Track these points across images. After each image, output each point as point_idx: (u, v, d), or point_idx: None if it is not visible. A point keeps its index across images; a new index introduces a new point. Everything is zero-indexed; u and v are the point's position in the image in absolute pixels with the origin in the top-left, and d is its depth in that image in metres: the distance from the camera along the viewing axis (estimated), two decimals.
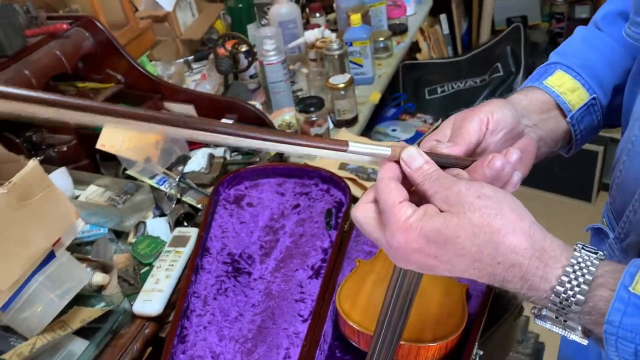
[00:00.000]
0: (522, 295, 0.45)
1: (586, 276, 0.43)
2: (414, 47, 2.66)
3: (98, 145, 1.24)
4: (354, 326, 0.80)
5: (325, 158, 1.32)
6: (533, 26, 2.88)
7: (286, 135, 0.45)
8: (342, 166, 1.26)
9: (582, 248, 0.45)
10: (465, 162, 0.52)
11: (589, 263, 0.43)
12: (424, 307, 0.82)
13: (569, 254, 0.44)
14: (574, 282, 0.43)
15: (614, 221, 0.60)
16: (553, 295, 0.43)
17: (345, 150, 0.46)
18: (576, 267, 0.43)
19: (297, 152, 0.46)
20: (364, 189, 1.21)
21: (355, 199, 1.14)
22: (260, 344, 0.86)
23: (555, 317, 0.44)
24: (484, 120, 0.54)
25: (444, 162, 0.51)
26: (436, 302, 0.84)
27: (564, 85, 0.61)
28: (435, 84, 2.61)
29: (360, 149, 0.47)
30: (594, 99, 0.62)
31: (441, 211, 0.46)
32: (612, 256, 0.60)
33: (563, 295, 0.43)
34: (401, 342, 0.77)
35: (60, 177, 1.17)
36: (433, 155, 0.50)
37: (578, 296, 0.42)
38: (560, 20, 2.79)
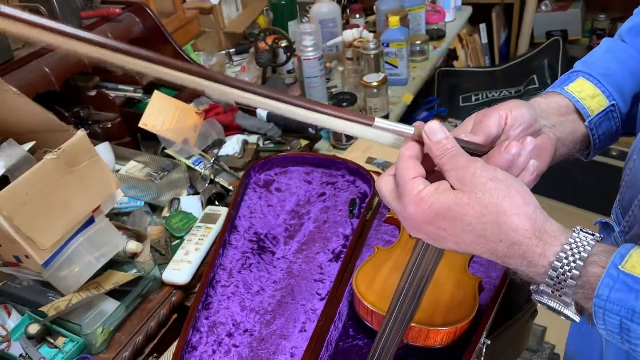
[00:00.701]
0: (523, 272, 0.50)
1: (582, 254, 0.46)
2: (452, 55, 2.68)
3: (141, 125, 1.32)
4: (369, 306, 0.84)
5: (355, 152, 1.36)
6: (573, 41, 2.88)
7: (317, 104, 0.49)
8: (370, 160, 1.30)
9: (581, 231, 0.48)
10: (484, 149, 0.55)
11: (585, 243, 0.47)
12: (437, 294, 0.86)
13: (567, 235, 0.48)
14: (571, 259, 0.46)
15: (620, 216, 0.63)
16: (551, 270, 0.47)
17: (371, 125, 0.51)
18: (573, 246, 0.47)
19: (326, 123, 0.50)
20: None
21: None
22: (279, 317, 0.91)
23: (552, 292, 0.48)
24: (503, 116, 0.57)
25: (464, 148, 0.54)
26: (449, 291, 0.87)
27: (584, 92, 0.64)
28: (471, 92, 2.63)
29: (386, 126, 0.51)
30: (613, 105, 0.64)
31: (453, 188, 0.50)
32: None
33: (560, 270, 0.47)
34: (412, 324, 0.80)
35: (104, 151, 1.24)
36: (460, 141, 0.53)
37: (574, 271, 0.46)
38: (601, 37, 2.78)
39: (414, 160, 0.52)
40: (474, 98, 2.62)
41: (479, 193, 0.48)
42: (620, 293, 0.45)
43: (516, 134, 0.58)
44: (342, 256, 1.00)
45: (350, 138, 1.43)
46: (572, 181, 2.37)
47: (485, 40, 2.89)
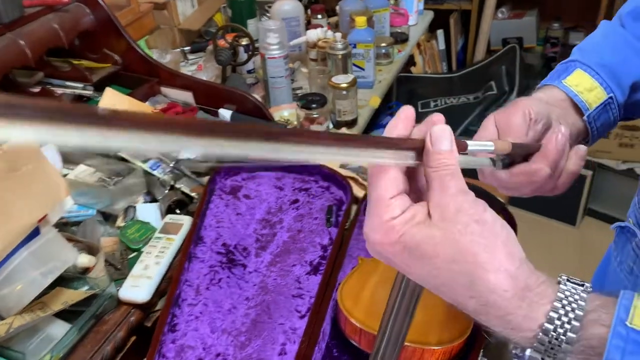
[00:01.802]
0: (502, 336, 0.41)
1: (576, 311, 0.39)
2: (410, 60, 2.66)
3: None
4: (357, 324, 0.76)
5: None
6: (528, 48, 2.92)
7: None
8: (343, 165, 1.23)
9: (568, 280, 0.41)
10: (536, 147, 0.53)
11: (577, 297, 0.39)
12: (428, 310, 0.79)
13: (554, 288, 0.40)
14: (564, 319, 0.38)
15: None
16: (541, 334, 0.39)
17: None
18: (564, 302, 0.39)
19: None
20: (365, 188, 1.18)
21: (356, 199, 1.11)
22: (255, 338, 0.82)
23: (541, 358, 0.40)
24: (527, 112, 0.55)
25: (521, 151, 0.52)
26: (441, 306, 0.80)
27: (581, 85, 0.62)
28: (429, 97, 2.61)
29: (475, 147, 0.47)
30: (610, 98, 0.63)
31: (429, 214, 0.41)
32: (638, 256, 0.58)
33: (552, 333, 0.39)
34: (406, 343, 0.73)
35: (49, 153, 1.11)
36: (517, 145, 0.50)
37: (569, 334, 0.38)
38: (555, 45, 2.82)
39: (399, 171, 0.42)
40: (432, 104, 2.60)
41: (456, 233, 0.39)
42: (633, 356, 0.37)
43: (539, 128, 0.56)
44: (321, 268, 0.92)
45: None
46: None
47: (442, 46, 2.88)
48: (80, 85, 1.30)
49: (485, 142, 0.49)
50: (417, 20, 2.13)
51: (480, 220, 0.40)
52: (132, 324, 0.90)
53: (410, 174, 0.44)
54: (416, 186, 0.44)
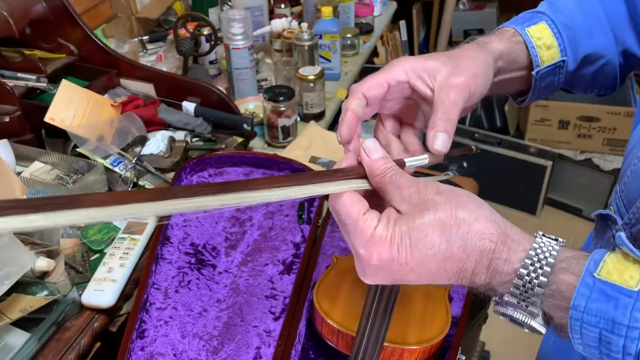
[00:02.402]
0: (486, 285, 0.45)
1: (548, 259, 0.43)
2: (373, 52, 2.64)
3: (47, 119, 1.13)
4: (335, 326, 0.74)
5: (296, 150, 1.26)
6: None
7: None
8: (313, 160, 1.20)
9: (543, 235, 0.45)
10: (469, 149, 0.59)
11: (550, 248, 0.44)
12: (406, 309, 0.78)
13: (530, 239, 0.45)
14: (537, 265, 0.43)
15: (623, 208, 0.58)
16: (516, 278, 0.43)
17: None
18: (538, 251, 0.43)
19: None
20: None
21: (327, 195, 1.09)
22: (228, 342, 0.79)
23: (517, 302, 0.44)
24: (467, 92, 0.54)
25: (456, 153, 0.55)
26: (419, 304, 0.79)
27: (542, 40, 0.62)
28: None
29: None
30: (562, 61, 0.63)
31: (399, 212, 0.45)
32: (617, 243, 0.58)
33: (526, 277, 0.43)
34: (385, 344, 0.72)
35: (2, 150, 1.04)
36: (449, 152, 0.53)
37: (541, 278, 0.42)
38: None
39: (355, 193, 0.47)
40: None
41: (431, 209, 0.44)
42: (598, 302, 0.41)
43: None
44: (295, 267, 0.90)
45: (287, 135, 1.32)
46: (497, 180, 2.41)
47: (405, 37, 2.88)
48: (33, 77, 1.23)
49: (420, 157, 0.54)
50: (381, 10, 2.11)
51: (440, 191, 0.45)
52: (96, 329, 0.86)
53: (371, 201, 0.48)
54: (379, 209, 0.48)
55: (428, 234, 0.43)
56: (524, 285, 0.43)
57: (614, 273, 0.41)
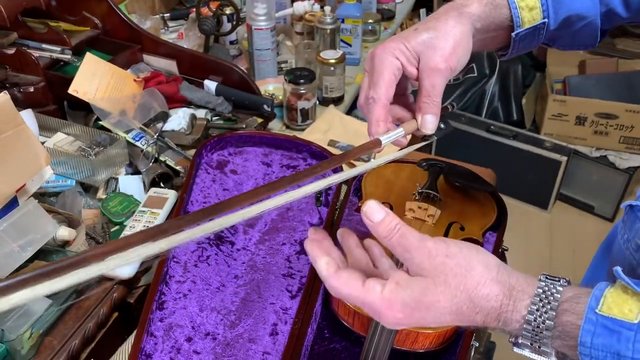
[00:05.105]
0: (501, 330, 0.48)
1: (552, 303, 0.46)
2: None
3: (70, 91, 1.14)
4: (351, 307, 0.75)
5: (315, 133, 1.26)
6: None
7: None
8: (332, 143, 1.21)
9: (546, 277, 0.48)
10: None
11: (553, 290, 0.46)
12: None
13: (534, 285, 0.47)
14: (542, 310, 0.46)
15: None
16: (525, 324, 0.46)
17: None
18: (542, 296, 0.46)
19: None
20: (353, 167, 1.16)
21: (345, 180, 1.09)
22: (245, 317, 0.80)
23: (531, 343, 0.47)
24: (448, 72, 0.58)
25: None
26: None
27: (525, 1, 0.61)
28: None
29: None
30: (543, 23, 0.62)
31: (409, 273, 0.48)
32: None
33: (534, 322, 0.46)
34: None
35: (26, 119, 1.05)
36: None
37: (547, 322, 0.45)
38: None
39: (346, 269, 0.50)
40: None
41: (441, 276, 0.47)
42: (602, 338, 0.43)
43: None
44: None
45: (306, 118, 1.32)
46: (510, 173, 2.40)
47: None
48: (57, 48, 1.24)
49: (396, 131, 0.57)
50: None
51: (450, 254, 0.47)
52: (115, 300, 0.88)
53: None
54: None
55: (440, 300, 0.46)
56: (533, 330, 0.46)
57: (614, 308, 0.44)
